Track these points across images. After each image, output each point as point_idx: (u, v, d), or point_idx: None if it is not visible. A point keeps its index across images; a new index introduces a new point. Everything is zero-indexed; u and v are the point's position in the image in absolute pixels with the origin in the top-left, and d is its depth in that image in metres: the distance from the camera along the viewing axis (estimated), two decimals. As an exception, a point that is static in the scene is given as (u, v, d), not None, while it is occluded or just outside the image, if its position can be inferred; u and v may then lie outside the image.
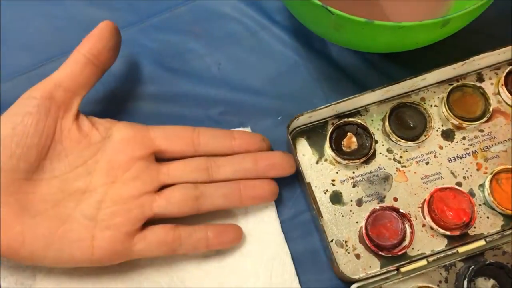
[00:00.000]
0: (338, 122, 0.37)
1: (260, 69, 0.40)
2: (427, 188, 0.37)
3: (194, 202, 0.34)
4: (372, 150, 0.37)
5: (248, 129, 0.39)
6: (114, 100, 0.40)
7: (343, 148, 0.37)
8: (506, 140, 0.37)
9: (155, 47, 0.41)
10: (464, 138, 0.38)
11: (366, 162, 0.37)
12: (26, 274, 0.35)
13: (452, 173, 0.37)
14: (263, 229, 0.37)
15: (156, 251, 0.34)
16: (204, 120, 0.39)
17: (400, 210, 0.35)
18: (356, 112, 0.38)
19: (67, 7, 0.42)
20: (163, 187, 0.35)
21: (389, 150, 0.37)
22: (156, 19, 0.42)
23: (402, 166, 0.37)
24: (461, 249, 0.34)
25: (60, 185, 0.33)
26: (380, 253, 0.34)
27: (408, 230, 0.35)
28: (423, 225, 0.36)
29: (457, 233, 0.34)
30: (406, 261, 0.34)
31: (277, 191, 0.36)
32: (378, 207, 0.35)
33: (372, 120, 0.38)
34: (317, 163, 0.37)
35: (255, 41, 0.41)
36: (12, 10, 0.42)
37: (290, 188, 0.38)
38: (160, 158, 0.35)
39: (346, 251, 0.35)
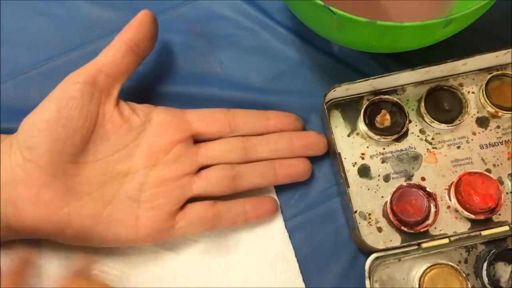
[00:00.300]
0: (374, 98, 0.38)
1: (262, 68, 0.40)
2: (455, 171, 0.37)
3: (232, 182, 0.35)
4: (405, 129, 0.37)
5: None
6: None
7: (376, 124, 0.37)
8: (540, 133, 0.37)
9: (156, 47, 0.40)
10: (498, 126, 0.38)
11: (398, 140, 0.38)
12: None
13: (483, 160, 0.37)
14: (267, 226, 0.37)
15: (197, 227, 0.35)
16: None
17: (427, 189, 0.35)
18: (393, 91, 0.39)
19: (68, 7, 0.41)
20: (202, 168, 0.35)
21: (421, 131, 0.38)
22: (158, 18, 0.40)
23: (433, 148, 0.37)
24: (484, 232, 0.34)
25: (103, 167, 0.34)
26: (402, 228, 0.34)
27: (433, 209, 0.35)
28: (448, 207, 0.36)
29: (481, 217, 0.35)
30: (428, 239, 0.35)
31: (310, 169, 0.37)
32: (405, 184, 0.36)
33: (407, 100, 0.38)
34: (348, 136, 0.38)
35: (257, 40, 0.41)
36: (12, 9, 0.41)
37: (319, 163, 0.39)
38: (198, 140, 0.36)
39: (368, 223, 0.36)
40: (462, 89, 0.38)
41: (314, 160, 0.38)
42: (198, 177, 0.35)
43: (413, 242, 0.34)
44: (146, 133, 0.35)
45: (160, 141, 0.35)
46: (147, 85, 0.40)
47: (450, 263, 0.34)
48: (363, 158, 0.37)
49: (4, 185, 0.31)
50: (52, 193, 0.32)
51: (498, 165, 0.37)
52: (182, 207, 0.35)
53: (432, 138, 0.38)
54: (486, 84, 0.37)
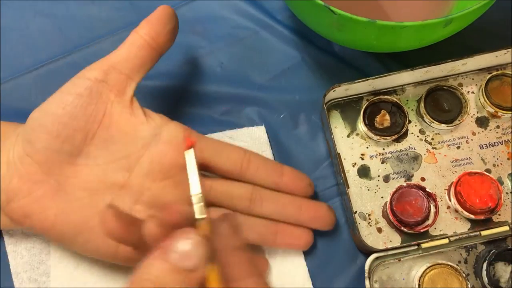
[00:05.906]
0: (373, 99, 0.37)
1: (263, 68, 0.40)
2: (455, 171, 0.37)
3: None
4: (404, 129, 0.37)
5: (262, 128, 0.39)
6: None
7: (375, 124, 0.37)
8: (540, 133, 0.37)
9: None
10: (498, 126, 0.38)
11: (397, 140, 0.38)
12: (39, 271, 0.35)
13: (482, 160, 0.37)
14: None
15: None
16: (208, 118, 0.39)
17: (427, 189, 0.35)
18: (392, 91, 0.38)
19: (69, 7, 0.41)
20: None
21: (421, 131, 0.38)
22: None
23: (433, 148, 0.37)
24: (484, 232, 0.34)
25: (100, 174, 0.32)
26: (402, 228, 0.34)
27: (433, 209, 0.35)
28: (448, 207, 0.36)
29: (481, 217, 0.35)
30: (428, 239, 0.35)
31: (311, 241, 0.35)
32: (405, 184, 0.36)
33: (407, 101, 0.38)
34: (348, 136, 0.38)
35: (257, 40, 0.41)
36: (12, 9, 0.41)
37: (319, 163, 0.39)
38: (203, 170, 0.34)
39: (368, 223, 0.36)
40: (462, 89, 0.38)
41: (313, 160, 0.38)
42: None
43: (413, 243, 0.34)
44: (151, 147, 0.33)
45: (163, 161, 0.33)
46: (146, 85, 0.40)
47: (450, 263, 0.34)
48: (362, 159, 0.37)
49: (3, 176, 0.31)
50: (44, 191, 0.31)
51: (497, 165, 0.37)
52: None
53: (432, 139, 0.38)
54: (486, 84, 0.37)
